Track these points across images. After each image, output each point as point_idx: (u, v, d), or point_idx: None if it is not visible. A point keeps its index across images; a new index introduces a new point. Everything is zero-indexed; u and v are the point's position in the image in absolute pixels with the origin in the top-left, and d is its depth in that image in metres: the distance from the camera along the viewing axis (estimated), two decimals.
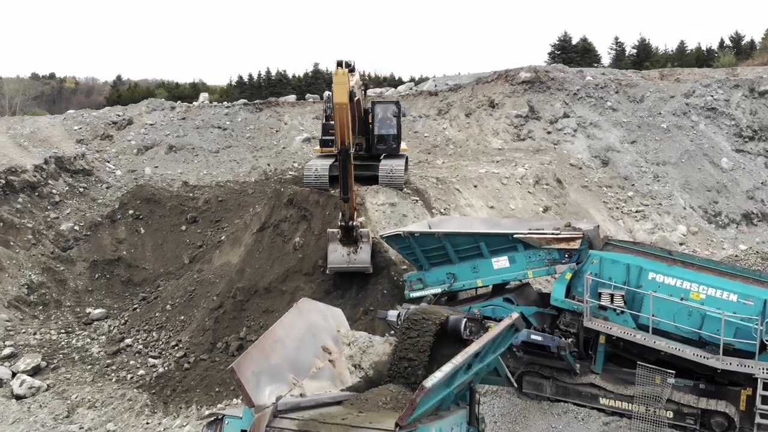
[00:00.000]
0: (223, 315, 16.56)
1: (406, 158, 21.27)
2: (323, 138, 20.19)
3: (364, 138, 19.55)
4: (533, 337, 10.35)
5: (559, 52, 54.92)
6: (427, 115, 32.37)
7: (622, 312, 11.64)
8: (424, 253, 13.93)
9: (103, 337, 17.69)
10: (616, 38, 58.34)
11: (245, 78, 74.59)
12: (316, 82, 68.17)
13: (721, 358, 10.56)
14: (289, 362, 5.97)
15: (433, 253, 13.89)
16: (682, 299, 11.15)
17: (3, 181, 21.73)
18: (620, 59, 55.11)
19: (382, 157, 19.71)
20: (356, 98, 15.98)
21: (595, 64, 50.43)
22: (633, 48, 55.71)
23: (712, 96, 29.77)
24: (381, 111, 19.54)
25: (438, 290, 13.94)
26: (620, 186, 26.64)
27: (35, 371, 15.16)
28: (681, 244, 23.02)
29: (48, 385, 14.65)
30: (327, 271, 16.37)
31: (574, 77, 31.53)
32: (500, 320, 10.35)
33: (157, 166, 27.64)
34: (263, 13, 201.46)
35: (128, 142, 28.50)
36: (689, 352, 10.96)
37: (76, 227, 22.34)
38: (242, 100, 35.03)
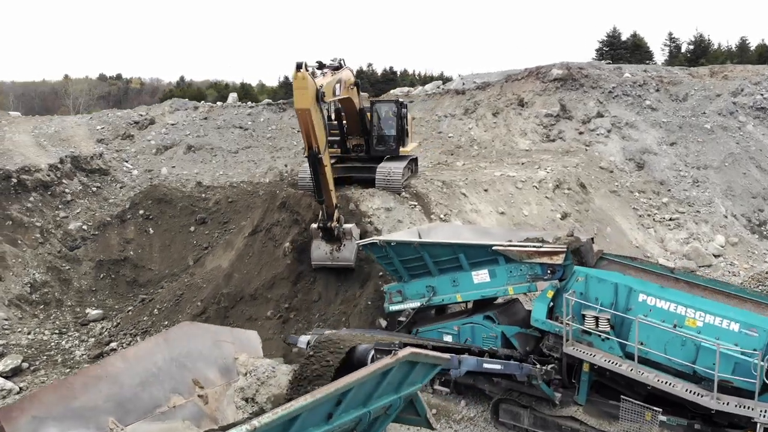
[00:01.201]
0: (205, 322, 15.94)
1: (411, 160, 20.22)
2: None
3: (363, 139, 18.63)
4: (488, 366, 9.09)
5: (607, 49, 52.32)
6: (452, 115, 31.10)
7: (608, 338, 10.27)
8: (402, 263, 12.88)
9: (93, 339, 17.47)
10: (670, 34, 54.94)
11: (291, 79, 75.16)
12: (360, 82, 67.83)
13: (715, 397, 9.06)
14: (117, 401, 5.14)
15: (412, 264, 12.83)
16: (675, 326, 9.69)
17: (15, 180, 21.98)
18: (674, 56, 51.92)
19: (385, 158, 18.74)
20: (335, 98, 15.09)
21: (647, 62, 47.65)
22: (689, 44, 52.37)
23: (762, 95, 27.21)
24: (380, 111, 18.56)
25: (417, 304, 12.88)
26: (654, 191, 24.64)
27: (14, 372, 15.01)
28: (717, 256, 20.96)
29: (21, 388, 14.46)
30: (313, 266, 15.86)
31: (610, 74, 29.55)
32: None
33: (174, 166, 27.59)
34: (314, 14, 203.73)
35: (148, 141, 28.59)
36: (681, 388, 9.50)
37: (84, 227, 22.38)
38: (266, 100, 34.76)
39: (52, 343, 17.22)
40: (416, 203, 17.46)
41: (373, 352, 6.58)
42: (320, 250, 15.52)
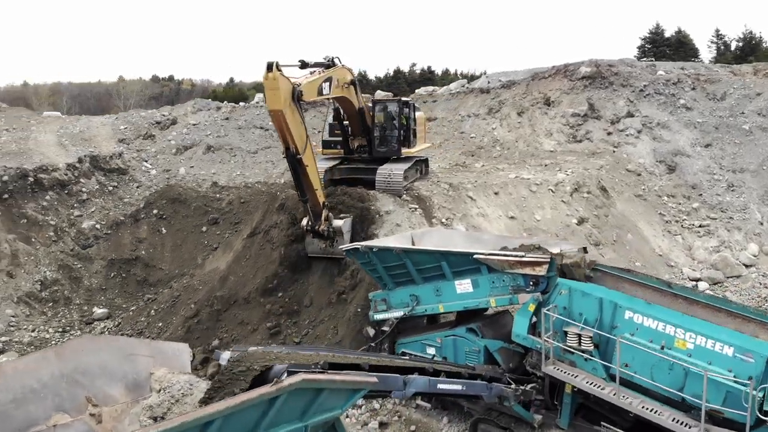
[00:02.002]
0: (197, 324, 15.77)
1: (419, 161, 19.57)
2: (326, 139, 18.94)
3: (366, 139, 18.08)
4: (444, 387, 8.32)
5: (649, 46, 50.18)
6: (476, 114, 30.23)
7: (591, 358, 9.41)
8: (386, 270, 12.27)
9: None
10: (717, 31, 52.15)
11: None
12: (396, 82, 67.38)
13: (703, 429, 8.11)
14: None
15: (396, 271, 12.19)
16: (662, 348, 8.76)
17: (32, 179, 22.36)
18: (722, 54, 49.33)
19: (390, 160, 18.14)
20: (322, 97, 14.64)
21: (693, 59, 45.38)
22: (737, 41, 49.66)
23: None
24: (381, 111, 17.95)
25: (401, 313, 12.24)
26: (685, 195, 23.19)
27: None
28: (748, 266, 19.48)
29: None
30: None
31: (642, 72, 28.10)
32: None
33: (192, 166, 27.72)
34: (353, 15, 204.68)
35: (168, 141, 28.83)
36: (667, 417, 8.57)
37: (98, 225, 22.60)
38: None
39: (53, 342, 17.32)
40: (417, 206, 16.79)
41: (286, 372, 6.02)
42: (314, 245, 15.33)
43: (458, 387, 8.45)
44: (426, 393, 8.38)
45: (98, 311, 19.28)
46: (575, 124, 27.32)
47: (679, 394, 8.53)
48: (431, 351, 11.92)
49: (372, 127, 17.77)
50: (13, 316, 18.36)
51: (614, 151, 25.36)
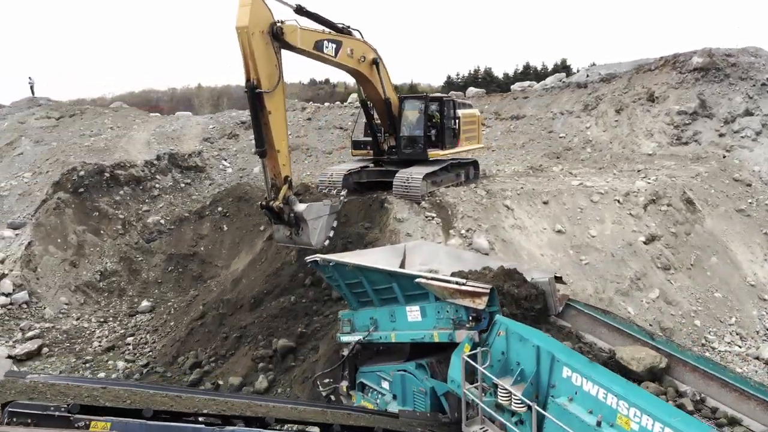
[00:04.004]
0: (201, 327, 15.48)
1: (462, 164, 17.73)
2: (356, 140, 17.76)
3: (395, 139, 16.62)
4: None
5: None
6: (569, 112, 27.21)
7: (520, 422, 7.34)
8: (349, 288, 10.89)
9: (123, 332, 18.00)
10: None
11: (453, 76, 74.21)
12: (525, 77, 64.22)
13: None
14: None
15: (358, 290, 10.76)
16: (599, 424, 6.52)
17: (108, 175, 23.83)
18: None
19: (418, 162, 16.50)
20: (324, 54, 13.11)
21: None
22: None
23: None
24: (408, 109, 16.37)
25: (359, 338, 10.79)
26: None
27: (28, 356, 15.87)
28: None
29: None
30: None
31: None
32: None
33: None
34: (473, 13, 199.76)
35: (249, 141, 29.33)
36: None
37: (162, 221, 23.50)
38: None
39: (87, 332, 18.05)
40: (435, 215, 15.04)
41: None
42: (280, 233, 13.17)
43: None
44: None
45: (143, 304, 19.88)
46: (681, 124, 23.39)
47: None
48: (386, 385, 10.36)
49: (399, 126, 16.27)
50: (66, 304, 19.50)
51: (724, 156, 21.27)
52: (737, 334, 14.27)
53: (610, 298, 14.59)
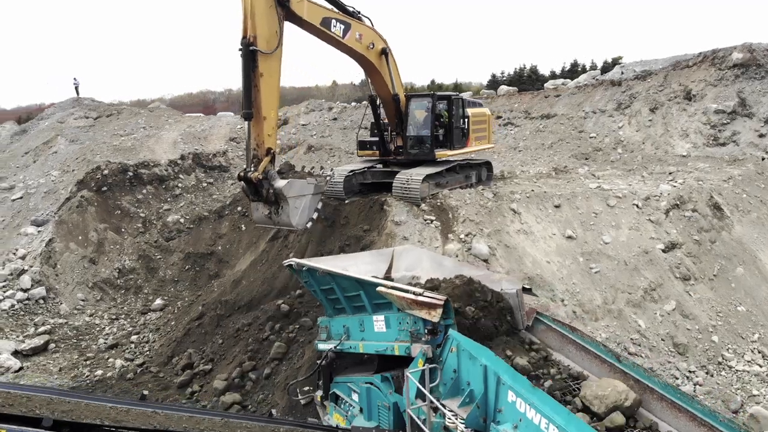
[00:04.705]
0: (198, 327, 15.41)
1: (473, 165, 17.09)
2: (362, 140, 17.35)
3: (401, 138, 16.14)
4: None
5: None
6: (602, 111, 26.01)
7: None
8: (324, 294, 10.53)
9: (131, 329, 18.19)
10: None
11: (498, 75, 72.95)
12: (572, 75, 62.40)
13: None
14: None
15: (332, 296, 10.38)
16: None
17: (131, 174, 24.25)
18: None
19: (423, 163, 15.98)
20: (330, 32, 12.82)
21: None
22: None
23: None
24: (415, 108, 15.84)
25: (332, 346, 10.40)
26: None
27: (34, 352, 16.17)
28: None
29: (22, 367, 15.47)
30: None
31: None
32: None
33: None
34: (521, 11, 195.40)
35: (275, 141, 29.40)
36: None
37: (182, 220, 23.72)
38: None
39: (96, 329, 18.32)
40: (434, 218, 14.46)
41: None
42: (258, 212, 12.33)
43: None
44: None
45: (157, 302, 20.06)
46: (719, 123, 21.95)
47: None
48: (355, 397, 9.92)
49: (405, 125, 15.78)
50: (82, 300, 19.88)
51: (763, 159, 19.79)
52: (759, 352, 13.11)
53: (620, 310, 13.67)
